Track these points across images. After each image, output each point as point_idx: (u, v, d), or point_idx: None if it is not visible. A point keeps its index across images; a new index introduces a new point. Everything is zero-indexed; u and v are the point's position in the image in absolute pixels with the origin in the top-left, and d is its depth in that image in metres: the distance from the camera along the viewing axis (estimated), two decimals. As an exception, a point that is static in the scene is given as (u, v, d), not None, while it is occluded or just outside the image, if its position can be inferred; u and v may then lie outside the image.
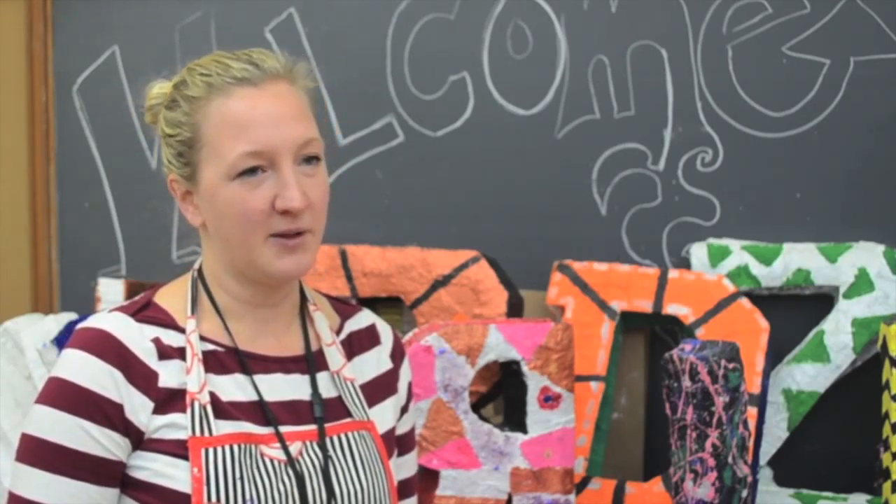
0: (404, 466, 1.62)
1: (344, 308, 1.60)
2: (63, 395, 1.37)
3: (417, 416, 1.91)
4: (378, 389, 1.56)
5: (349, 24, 2.36)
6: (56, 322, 2.27)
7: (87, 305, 2.47)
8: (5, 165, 2.61)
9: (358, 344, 1.57)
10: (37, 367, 2.21)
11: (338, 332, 1.55)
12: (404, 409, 1.61)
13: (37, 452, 1.37)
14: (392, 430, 1.57)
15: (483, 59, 2.29)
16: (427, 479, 1.96)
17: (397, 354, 1.61)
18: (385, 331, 1.61)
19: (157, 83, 1.49)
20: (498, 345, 1.95)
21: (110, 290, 2.37)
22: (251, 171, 1.39)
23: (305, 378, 1.48)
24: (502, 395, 2.08)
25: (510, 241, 2.26)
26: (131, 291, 2.29)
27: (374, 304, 2.24)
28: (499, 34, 2.28)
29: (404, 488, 1.62)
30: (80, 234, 2.58)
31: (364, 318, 1.60)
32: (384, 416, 1.55)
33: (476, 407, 2.03)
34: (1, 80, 2.60)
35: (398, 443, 1.59)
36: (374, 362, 1.57)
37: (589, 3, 2.23)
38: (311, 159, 1.42)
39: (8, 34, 2.59)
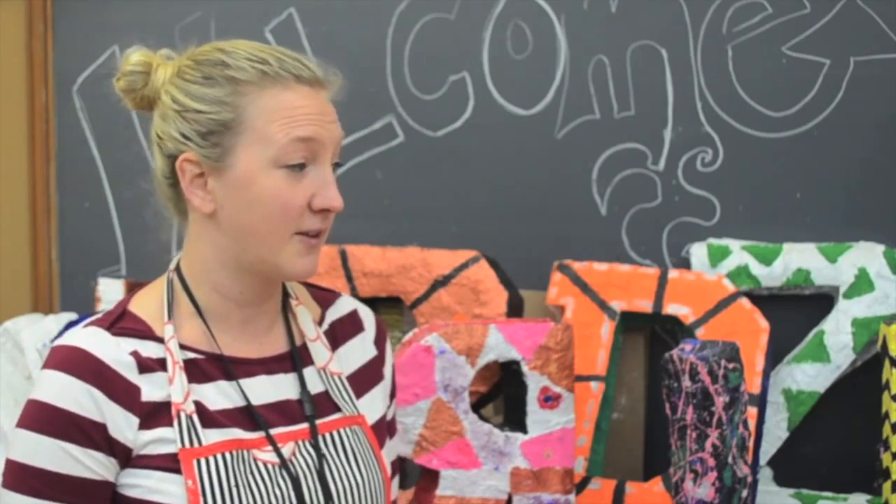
0: (390, 451, 1.61)
1: (323, 296, 1.58)
2: (43, 419, 1.35)
3: (417, 417, 1.91)
4: (366, 379, 1.55)
5: (349, 24, 2.36)
6: (56, 322, 2.27)
7: (87, 305, 2.48)
8: (5, 165, 2.61)
9: (341, 332, 1.55)
10: (37, 367, 2.21)
11: (319, 323, 1.54)
12: (392, 395, 1.61)
13: (21, 478, 1.35)
14: (383, 418, 1.56)
15: (483, 59, 2.29)
16: (427, 479, 1.96)
17: (381, 339, 1.60)
18: (367, 316, 1.60)
19: (135, 50, 1.47)
20: (498, 345, 1.95)
21: (110, 290, 2.37)
22: (298, 166, 1.38)
23: (290, 377, 1.47)
24: (502, 395, 2.08)
25: (510, 241, 2.26)
26: (131, 291, 2.29)
27: (374, 304, 2.25)
28: (499, 34, 2.28)
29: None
30: (80, 234, 2.58)
31: (344, 305, 1.59)
32: (373, 405, 1.54)
33: (476, 407, 2.03)
34: (1, 80, 2.60)
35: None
36: (360, 350, 1.56)
37: (589, 3, 2.23)
38: (336, 165, 1.44)
39: (8, 34, 2.59)
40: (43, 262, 2.60)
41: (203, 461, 1.36)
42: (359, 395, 1.52)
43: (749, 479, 1.73)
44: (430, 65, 2.32)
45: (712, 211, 2.18)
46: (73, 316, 2.27)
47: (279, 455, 1.40)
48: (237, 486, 1.36)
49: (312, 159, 1.40)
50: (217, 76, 1.40)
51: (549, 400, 1.94)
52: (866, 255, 2.05)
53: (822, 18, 2.11)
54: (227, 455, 1.37)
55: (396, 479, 1.67)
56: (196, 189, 1.41)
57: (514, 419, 1.98)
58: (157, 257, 2.51)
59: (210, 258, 1.44)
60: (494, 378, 2.08)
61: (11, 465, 1.36)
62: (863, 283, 2.04)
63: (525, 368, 1.94)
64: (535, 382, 1.94)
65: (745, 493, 1.71)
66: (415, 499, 1.98)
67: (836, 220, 2.12)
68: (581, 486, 2.08)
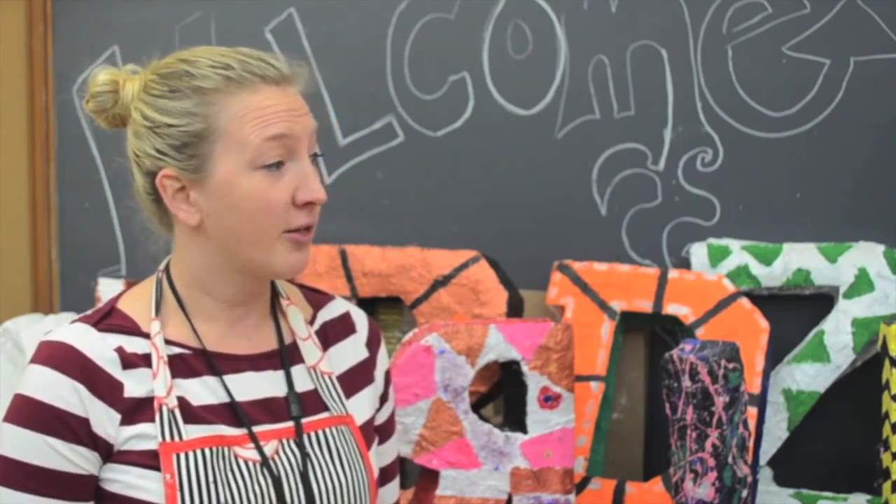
0: (386, 454, 1.62)
1: (316, 297, 1.59)
2: (28, 413, 1.36)
3: (417, 417, 1.91)
4: (355, 379, 1.55)
5: (349, 24, 2.36)
6: (56, 322, 2.27)
7: (86, 305, 2.47)
8: (5, 165, 2.61)
9: (333, 333, 1.55)
10: (37, 367, 2.20)
11: (311, 323, 1.54)
12: (383, 398, 1.60)
13: (6, 472, 1.36)
14: (371, 421, 1.55)
15: (483, 59, 2.29)
16: (427, 479, 1.96)
17: (373, 342, 1.60)
18: (360, 318, 1.60)
19: (102, 69, 1.46)
20: (498, 345, 1.94)
21: (110, 290, 2.36)
22: (275, 164, 1.38)
23: (278, 374, 1.47)
24: (502, 395, 2.08)
25: (510, 241, 2.26)
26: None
27: (374, 304, 2.25)
28: (499, 34, 2.28)
29: (386, 474, 1.62)
30: (80, 234, 2.57)
31: (337, 307, 1.59)
32: (362, 406, 1.54)
33: (476, 407, 2.03)
34: (1, 80, 2.60)
35: (379, 432, 1.59)
36: (351, 351, 1.56)
37: (589, 3, 2.23)
38: (315, 157, 1.43)
39: (8, 34, 2.59)
40: (43, 262, 2.60)
41: (182, 456, 1.36)
42: (348, 395, 1.52)
43: (749, 479, 1.73)
44: (430, 65, 2.32)
45: (712, 211, 2.18)
46: (73, 316, 2.26)
47: (261, 453, 1.40)
48: (215, 482, 1.36)
49: (289, 156, 1.40)
50: (183, 88, 1.40)
51: (549, 400, 1.94)
52: (866, 255, 2.05)
53: (822, 18, 2.11)
54: (207, 451, 1.37)
55: (397, 480, 1.67)
56: (179, 203, 1.42)
57: (514, 419, 1.98)
58: (157, 257, 2.51)
59: (200, 264, 1.45)
60: (494, 378, 2.08)
61: None
62: (863, 283, 2.04)
63: (525, 368, 1.94)
64: (535, 382, 1.94)
65: (745, 493, 1.71)
66: (415, 499, 1.98)
67: (836, 220, 2.12)
68: (581, 486, 2.08)
